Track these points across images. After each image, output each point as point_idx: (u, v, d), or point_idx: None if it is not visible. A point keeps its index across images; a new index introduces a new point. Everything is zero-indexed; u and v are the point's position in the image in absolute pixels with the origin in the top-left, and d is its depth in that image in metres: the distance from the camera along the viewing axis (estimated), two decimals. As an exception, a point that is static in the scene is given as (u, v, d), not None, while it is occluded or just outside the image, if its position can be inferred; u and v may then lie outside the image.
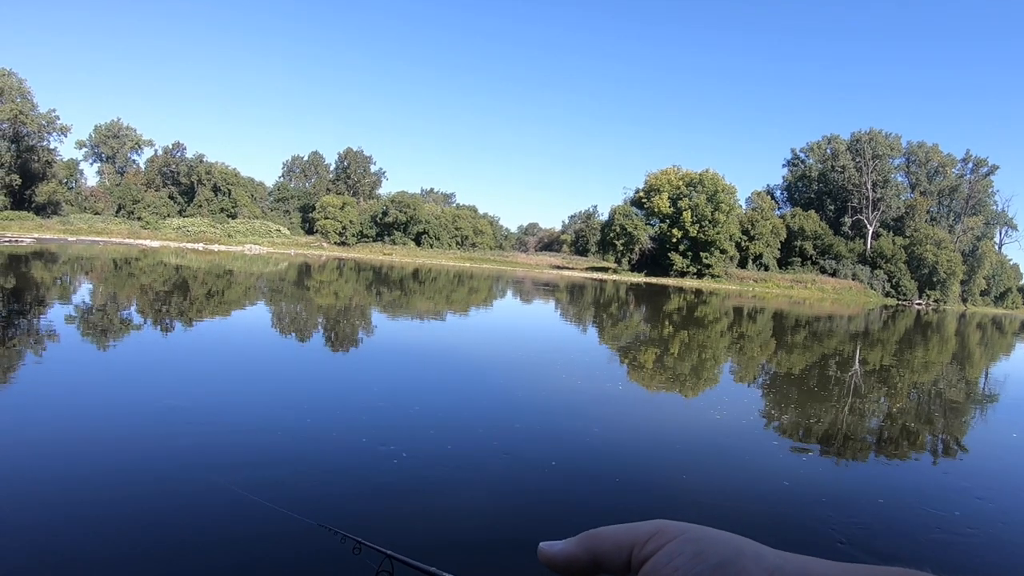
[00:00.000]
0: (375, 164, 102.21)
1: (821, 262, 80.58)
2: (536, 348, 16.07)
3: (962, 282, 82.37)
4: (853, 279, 77.86)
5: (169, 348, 11.81)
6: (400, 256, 75.77)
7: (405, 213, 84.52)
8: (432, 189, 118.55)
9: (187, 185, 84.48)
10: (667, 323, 26.23)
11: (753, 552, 0.50)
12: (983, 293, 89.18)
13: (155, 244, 58.91)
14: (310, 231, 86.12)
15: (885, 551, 5.18)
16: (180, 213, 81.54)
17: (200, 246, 62.25)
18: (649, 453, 7.58)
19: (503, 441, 7.36)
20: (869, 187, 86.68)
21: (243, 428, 6.92)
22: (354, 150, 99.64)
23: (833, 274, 78.78)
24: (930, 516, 6.11)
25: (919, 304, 77.17)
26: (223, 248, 63.21)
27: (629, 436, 8.21)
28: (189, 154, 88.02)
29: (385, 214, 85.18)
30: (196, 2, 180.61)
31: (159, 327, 14.01)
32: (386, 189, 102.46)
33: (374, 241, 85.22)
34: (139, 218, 77.72)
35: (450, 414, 8.42)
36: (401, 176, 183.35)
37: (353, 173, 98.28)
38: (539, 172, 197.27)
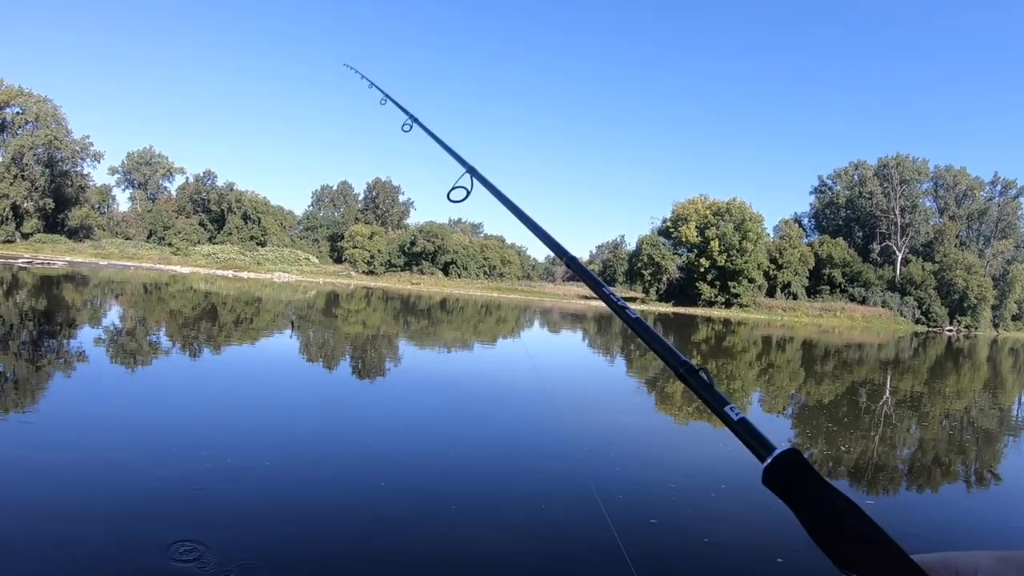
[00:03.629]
0: (403, 194, 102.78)
1: (850, 290, 79.31)
2: (578, 379, 16.14)
3: (993, 307, 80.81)
4: (883, 306, 76.56)
5: (195, 376, 12.04)
6: (428, 286, 76.06)
7: (433, 243, 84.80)
8: (460, 219, 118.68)
9: (217, 212, 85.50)
10: (695, 353, 26.13)
11: None
12: (1015, 318, 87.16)
13: (185, 270, 59.81)
14: (339, 260, 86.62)
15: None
16: (210, 240, 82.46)
17: (229, 273, 63.03)
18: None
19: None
20: (897, 213, 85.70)
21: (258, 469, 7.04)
22: (382, 180, 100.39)
23: (862, 302, 77.52)
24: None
25: (950, 330, 75.80)
26: (252, 275, 63.92)
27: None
28: (220, 182, 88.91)
29: (413, 244, 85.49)
30: (229, 32, 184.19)
31: (187, 352, 14.28)
32: (414, 219, 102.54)
33: (402, 270, 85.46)
34: (170, 244, 78.89)
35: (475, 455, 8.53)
36: (429, 206, 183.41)
37: (381, 203, 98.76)
38: (566, 202, 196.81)
